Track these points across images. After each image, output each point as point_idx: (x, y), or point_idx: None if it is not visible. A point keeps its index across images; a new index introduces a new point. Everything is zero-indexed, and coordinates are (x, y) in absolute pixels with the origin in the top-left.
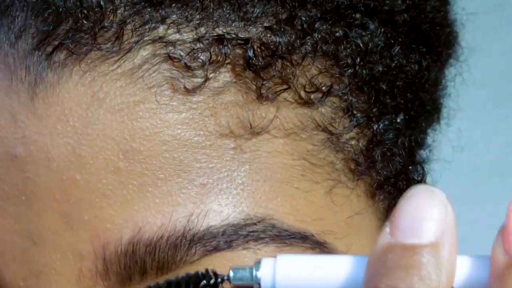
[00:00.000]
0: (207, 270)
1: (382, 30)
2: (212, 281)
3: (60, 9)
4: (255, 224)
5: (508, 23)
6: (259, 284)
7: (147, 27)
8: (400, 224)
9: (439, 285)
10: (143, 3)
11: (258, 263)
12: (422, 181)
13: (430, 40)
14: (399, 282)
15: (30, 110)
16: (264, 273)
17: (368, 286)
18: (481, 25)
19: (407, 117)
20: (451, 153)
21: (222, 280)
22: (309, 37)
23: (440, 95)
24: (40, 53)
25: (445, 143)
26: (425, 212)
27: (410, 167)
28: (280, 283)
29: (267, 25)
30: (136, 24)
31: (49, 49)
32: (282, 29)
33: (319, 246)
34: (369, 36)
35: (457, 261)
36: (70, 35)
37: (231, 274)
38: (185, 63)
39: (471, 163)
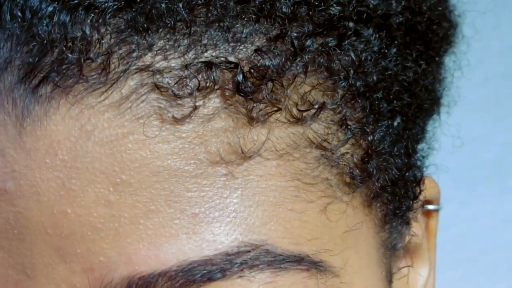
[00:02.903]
0: None
1: (377, 35)
2: None
3: (45, 41)
4: (249, 251)
5: (509, 21)
6: None
7: (134, 55)
8: None
9: None
10: (129, 31)
11: None
12: (420, 183)
13: (427, 38)
14: None
15: (18, 144)
16: None
17: None
18: (482, 22)
19: (404, 119)
20: (450, 151)
21: None
22: (299, 57)
23: (438, 88)
24: (26, 86)
25: (444, 141)
26: None
27: (407, 173)
28: None
29: (258, 44)
30: (123, 52)
31: (35, 81)
32: (272, 50)
33: (315, 266)
34: (364, 43)
35: None
36: (56, 67)
37: None
38: (173, 92)
39: (471, 161)
